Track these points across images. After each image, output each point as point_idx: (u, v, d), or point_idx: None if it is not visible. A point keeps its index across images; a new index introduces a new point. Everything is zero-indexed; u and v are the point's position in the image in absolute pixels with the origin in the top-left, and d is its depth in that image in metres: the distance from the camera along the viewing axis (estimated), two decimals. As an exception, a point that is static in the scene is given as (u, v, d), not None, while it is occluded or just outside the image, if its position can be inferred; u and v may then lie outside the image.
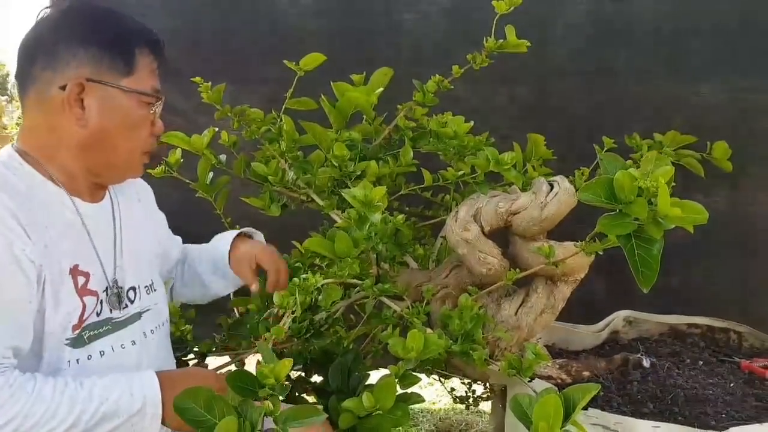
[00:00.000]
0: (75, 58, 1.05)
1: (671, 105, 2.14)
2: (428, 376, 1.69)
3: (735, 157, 1.85)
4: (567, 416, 0.93)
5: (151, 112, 1.12)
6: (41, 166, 1.07)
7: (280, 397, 0.95)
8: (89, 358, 1.05)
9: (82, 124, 1.06)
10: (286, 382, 0.93)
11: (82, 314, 1.05)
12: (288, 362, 0.92)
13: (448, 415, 2.51)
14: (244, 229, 1.47)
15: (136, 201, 1.28)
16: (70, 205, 1.08)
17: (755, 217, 2.16)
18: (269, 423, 0.93)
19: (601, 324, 1.67)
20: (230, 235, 1.43)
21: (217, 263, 1.40)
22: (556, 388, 1.00)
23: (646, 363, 1.41)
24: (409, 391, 1.23)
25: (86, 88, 1.05)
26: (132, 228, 1.21)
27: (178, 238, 1.50)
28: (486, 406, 2.31)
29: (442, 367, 1.58)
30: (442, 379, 1.76)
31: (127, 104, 1.08)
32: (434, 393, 2.69)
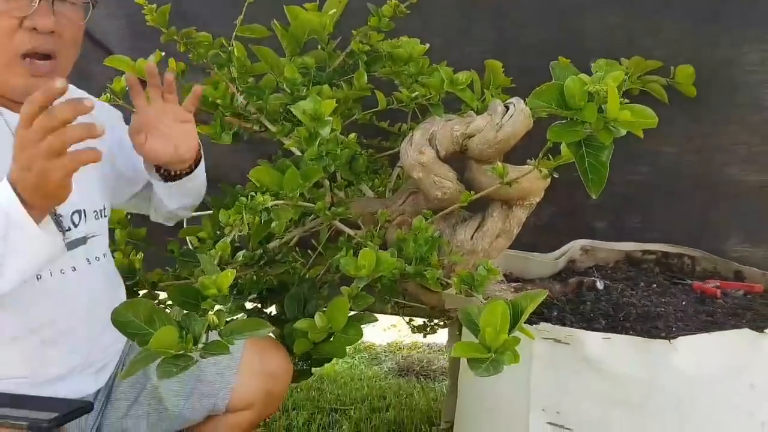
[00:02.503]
0: None
1: (631, 39, 2.12)
2: (385, 305, 1.69)
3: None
4: (515, 323, 0.93)
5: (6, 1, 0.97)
6: None
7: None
8: (24, 282, 0.98)
9: None
10: (230, 294, 0.91)
11: None
12: (231, 273, 0.90)
13: (411, 354, 2.53)
14: None
15: (87, 118, 1.21)
16: None
17: (715, 150, 2.17)
18: (215, 336, 0.91)
19: (557, 252, 1.68)
20: None
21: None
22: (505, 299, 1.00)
23: (600, 285, 1.43)
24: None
25: None
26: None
27: None
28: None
29: (399, 295, 1.58)
30: (400, 311, 1.76)
31: None
32: (396, 335, 2.71)
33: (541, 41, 2.13)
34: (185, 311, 0.88)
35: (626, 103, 0.98)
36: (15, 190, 0.87)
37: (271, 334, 1.28)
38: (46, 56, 1.04)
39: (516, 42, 2.16)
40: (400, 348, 2.62)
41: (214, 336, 0.91)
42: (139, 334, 0.86)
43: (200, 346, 0.86)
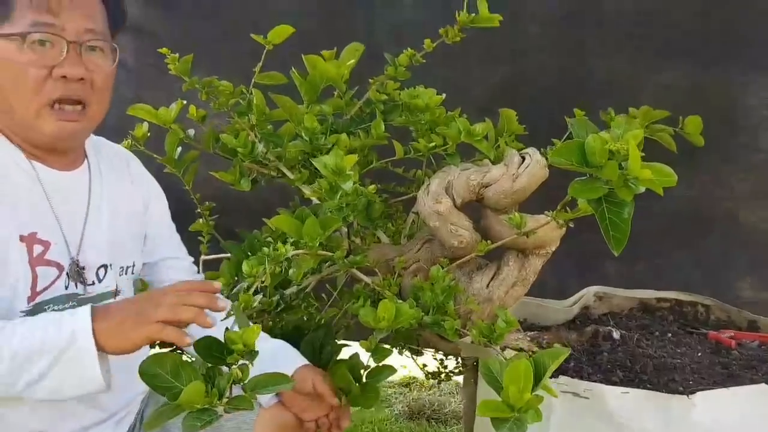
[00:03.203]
0: None
1: (640, 84, 2.15)
2: (401, 354, 1.69)
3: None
4: (537, 380, 0.93)
5: (36, 48, 0.99)
6: (2, 127, 1.03)
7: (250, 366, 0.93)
8: None
9: None
10: (255, 349, 0.92)
11: (34, 285, 1.01)
12: (257, 328, 0.90)
13: (421, 396, 2.52)
14: None
15: (128, 183, 1.22)
16: (28, 169, 1.04)
17: (718, 198, 2.18)
18: (238, 390, 0.92)
19: (572, 299, 1.68)
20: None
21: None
22: (528, 354, 1.00)
23: (615, 335, 1.43)
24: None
25: None
26: (115, 205, 1.16)
27: (189, 265, 1.39)
28: (460, 384, 2.32)
29: (414, 342, 1.58)
30: (414, 356, 1.76)
31: (5, 51, 0.99)
32: (407, 374, 2.69)
33: (548, 85, 2.18)
34: (210, 364, 0.89)
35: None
36: (93, 322, 0.90)
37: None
38: (76, 102, 1.05)
39: (522, 85, 2.21)
40: (411, 389, 2.60)
41: (237, 389, 0.91)
42: (166, 387, 0.86)
43: (224, 400, 0.86)
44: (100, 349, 0.91)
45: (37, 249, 1.01)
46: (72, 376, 0.91)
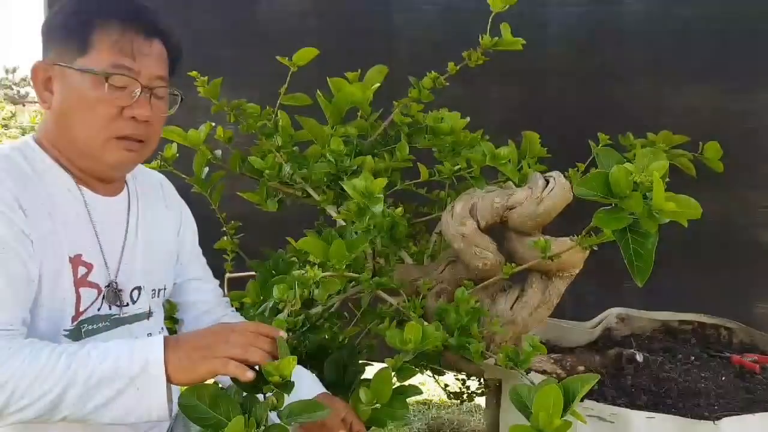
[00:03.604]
0: (47, 45, 1.06)
1: (660, 106, 2.16)
2: (422, 373, 1.69)
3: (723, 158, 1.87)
4: (566, 406, 0.94)
5: (113, 89, 1.03)
6: (53, 153, 1.07)
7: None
8: None
9: (46, 107, 1.06)
10: (291, 379, 0.93)
11: (78, 305, 1.05)
12: (293, 360, 0.92)
13: (440, 414, 2.52)
14: None
15: (162, 207, 1.26)
16: (77, 194, 1.08)
17: (741, 218, 2.18)
18: (274, 418, 0.93)
19: (594, 321, 1.68)
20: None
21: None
22: (556, 380, 1.01)
23: (639, 357, 1.43)
24: (406, 383, 1.23)
25: (52, 72, 1.04)
26: (150, 230, 1.19)
27: (213, 287, 1.38)
28: (479, 403, 2.32)
29: (437, 362, 1.59)
30: (436, 376, 1.77)
31: (81, 84, 1.03)
32: (426, 392, 2.70)
33: (567, 107, 2.20)
34: (245, 393, 0.91)
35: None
36: (167, 352, 0.93)
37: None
38: (139, 140, 1.10)
39: (541, 107, 2.22)
40: (430, 407, 2.60)
41: (273, 417, 0.93)
42: (203, 418, 0.88)
43: (261, 428, 0.88)
44: (168, 379, 0.93)
45: (81, 270, 1.05)
46: (139, 404, 0.93)
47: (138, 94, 1.05)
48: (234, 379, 0.93)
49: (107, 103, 1.04)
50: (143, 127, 1.08)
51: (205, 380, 0.94)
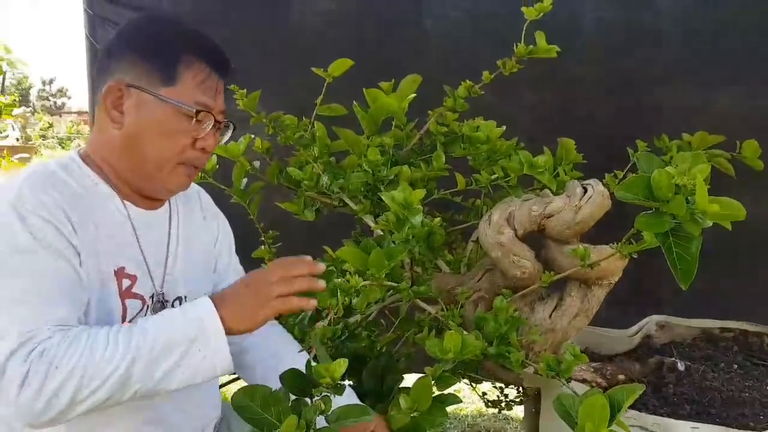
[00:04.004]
0: (120, 65, 1.10)
1: (694, 110, 2.14)
2: (459, 381, 1.70)
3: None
4: (612, 417, 0.93)
5: (194, 124, 1.09)
6: (100, 169, 1.11)
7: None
8: None
9: (117, 127, 1.09)
10: (341, 382, 0.95)
11: (124, 317, 1.08)
12: (344, 362, 0.94)
13: (476, 421, 2.51)
14: None
15: (200, 218, 1.29)
16: (122, 208, 1.11)
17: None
18: (320, 421, 0.95)
19: (634, 328, 1.67)
20: None
21: None
22: (601, 390, 1.01)
23: (680, 366, 1.41)
24: (445, 392, 1.24)
25: (125, 93, 1.08)
26: (190, 241, 1.23)
27: None
28: (515, 411, 2.30)
29: (475, 370, 1.59)
30: (473, 384, 1.77)
31: (161, 113, 1.08)
32: (462, 398, 2.69)
33: (599, 112, 2.19)
34: (294, 396, 0.93)
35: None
36: (217, 309, 0.98)
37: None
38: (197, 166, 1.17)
39: (572, 113, 2.21)
40: (465, 415, 2.59)
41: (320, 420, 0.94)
42: (256, 419, 0.90)
43: (311, 431, 0.89)
44: (227, 331, 0.98)
45: (126, 282, 1.08)
46: (203, 362, 0.97)
47: (209, 127, 1.12)
48: (282, 382, 0.95)
49: (186, 134, 1.10)
50: (206, 157, 1.16)
51: (264, 324, 1.01)
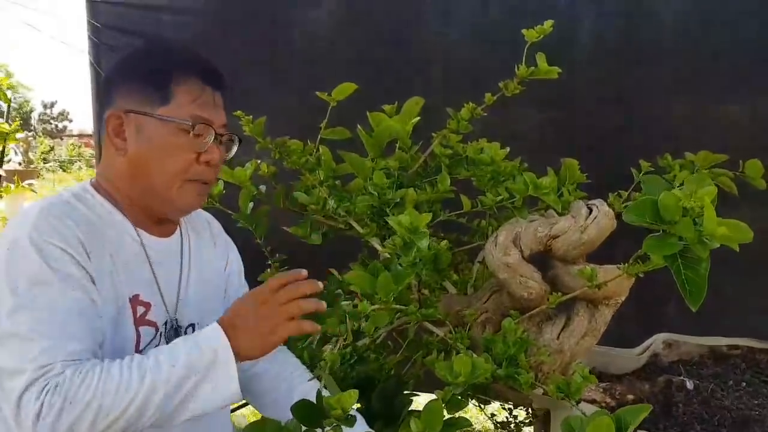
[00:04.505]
0: (119, 93, 1.12)
1: (697, 125, 2.16)
2: (468, 403, 1.69)
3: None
4: (621, 438, 0.93)
5: (193, 137, 1.10)
6: (112, 197, 1.12)
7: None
8: None
9: (122, 153, 1.11)
10: (351, 413, 0.95)
11: (138, 344, 1.08)
12: (354, 393, 0.94)
13: (484, 442, 2.50)
14: None
15: (211, 245, 1.31)
16: (135, 236, 1.12)
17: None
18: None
19: (641, 347, 1.67)
20: None
21: None
22: (608, 411, 1.01)
23: (689, 385, 1.41)
24: (456, 415, 1.24)
25: (125, 120, 1.10)
26: (202, 267, 1.24)
27: None
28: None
29: (484, 392, 1.59)
30: (482, 405, 1.76)
31: (161, 132, 1.09)
32: (469, 419, 2.68)
33: (603, 129, 2.20)
34: (305, 428, 0.93)
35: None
36: (229, 338, 0.99)
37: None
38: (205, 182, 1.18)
39: (576, 129, 2.23)
40: (472, 435, 2.59)
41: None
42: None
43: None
44: (239, 359, 1.00)
45: (140, 310, 1.09)
46: (215, 392, 0.98)
47: (211, 140, 1.13)
48: (294, 413, 0.95)
49: (187, 150, 1.11)
50: (212, 171, 1.16)
51: (271, 350, 1.02)
